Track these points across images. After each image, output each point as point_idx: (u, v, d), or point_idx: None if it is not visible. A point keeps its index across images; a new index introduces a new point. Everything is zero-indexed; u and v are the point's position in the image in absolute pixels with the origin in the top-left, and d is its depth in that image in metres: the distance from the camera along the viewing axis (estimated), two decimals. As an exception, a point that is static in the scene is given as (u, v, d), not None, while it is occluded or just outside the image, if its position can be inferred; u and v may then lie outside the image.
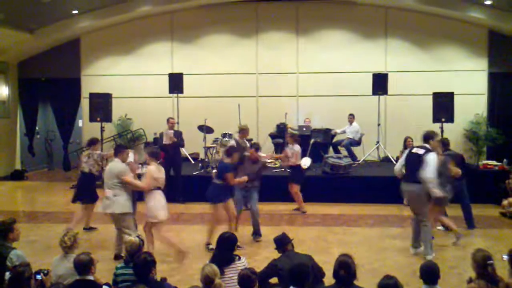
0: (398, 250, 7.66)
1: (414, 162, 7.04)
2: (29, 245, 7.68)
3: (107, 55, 15.66)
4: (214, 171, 9.12)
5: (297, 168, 10.25)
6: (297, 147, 10.25)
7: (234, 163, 7.92)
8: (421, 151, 7.07)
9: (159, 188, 7.06)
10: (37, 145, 16.88)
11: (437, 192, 6.93)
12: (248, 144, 9.87)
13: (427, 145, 7.17)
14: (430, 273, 4.24)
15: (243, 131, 10.18)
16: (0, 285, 4.68)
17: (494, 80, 14.58)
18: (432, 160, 6.91)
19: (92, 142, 9.08)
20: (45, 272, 4.39)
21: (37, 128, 16.87)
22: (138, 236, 5.21)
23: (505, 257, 4.47)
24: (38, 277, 4.32)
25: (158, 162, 7.29)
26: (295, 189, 10.26)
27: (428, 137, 7.26)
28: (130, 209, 7.14)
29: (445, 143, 9.06)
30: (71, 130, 16.36)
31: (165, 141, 11.10)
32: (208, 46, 15.26)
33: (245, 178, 8.05)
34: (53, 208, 11.09)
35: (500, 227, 9.11)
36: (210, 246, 7.46)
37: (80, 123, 16.34)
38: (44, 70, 15.86)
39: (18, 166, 15.85)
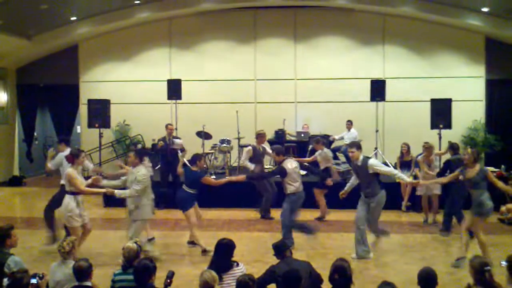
0: (396, 256, 7.64)
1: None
2: (27, 252, 7.65)
3: (106, 62, 15.68)
4: (213, 177, 9.13)
5: (324, 171, 10.09)
6: (326, 151, 10.07)
7: (201, 169, 8.03)
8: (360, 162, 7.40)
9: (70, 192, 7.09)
10: (36, 151, 16.86)
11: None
12: (267, 150, 9.80)
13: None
14: (428, 280, 4.24)
15: (260, 136, 10.04)
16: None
17: (492, 86, 14.64)
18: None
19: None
20: (41, 276, 4.35)
21: (35, 134, 16.84)
22: (135, 242, 5.19)
23: (503, 263, 4.46)
24: (34, 281, 4.28)
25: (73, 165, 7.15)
26: (318, 192, 10.08)
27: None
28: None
29: (454, 147, 9.13)
30: (70, 136, 16.35)
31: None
32: (206, 52, 15.29)
33: (237, 178, 8.38)
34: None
35: (498, 233, 9.10)
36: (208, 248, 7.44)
37: (78, 129, 16.33)
38: (42, 76, 15.85)
39: (16, 172, 15.82)
